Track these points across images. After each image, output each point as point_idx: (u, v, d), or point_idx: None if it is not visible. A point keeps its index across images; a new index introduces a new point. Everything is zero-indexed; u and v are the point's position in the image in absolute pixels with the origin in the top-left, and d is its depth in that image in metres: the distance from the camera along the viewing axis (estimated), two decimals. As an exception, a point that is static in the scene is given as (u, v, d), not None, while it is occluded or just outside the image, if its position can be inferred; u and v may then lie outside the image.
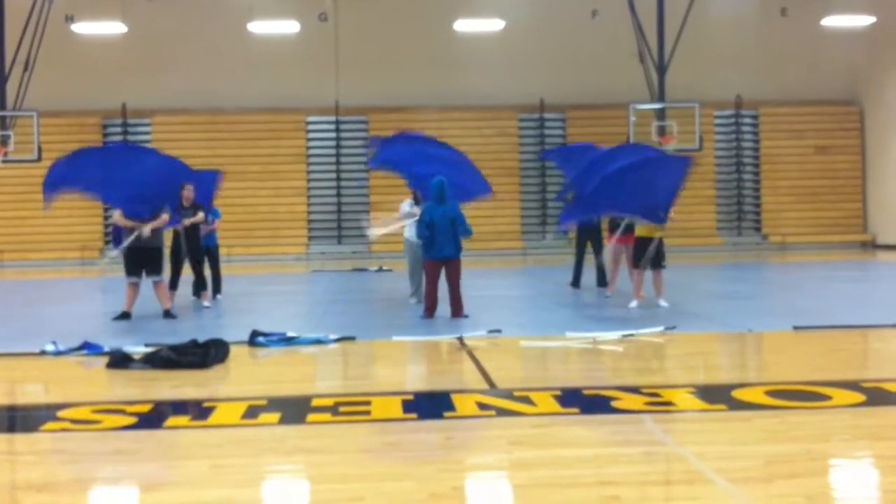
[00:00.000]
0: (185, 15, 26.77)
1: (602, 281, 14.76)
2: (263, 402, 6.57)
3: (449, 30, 26.22)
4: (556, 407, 6.30)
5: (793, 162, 28.68)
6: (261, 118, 27.74)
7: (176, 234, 13.28)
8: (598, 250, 15.09)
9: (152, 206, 11.86)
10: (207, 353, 8.30)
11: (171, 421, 6.17)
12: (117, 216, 12.11)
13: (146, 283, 12.02)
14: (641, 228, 12.58)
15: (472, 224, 12.02)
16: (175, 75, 27.03)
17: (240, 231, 25.76)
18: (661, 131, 24.40)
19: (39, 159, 23.80)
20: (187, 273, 13.62)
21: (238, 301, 14.22)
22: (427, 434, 5.77)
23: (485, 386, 7.14)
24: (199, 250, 13.57)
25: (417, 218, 12.20)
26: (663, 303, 12.26)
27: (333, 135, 28.22)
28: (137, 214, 11.77)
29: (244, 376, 8.23)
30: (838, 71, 28.47)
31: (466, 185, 13.33)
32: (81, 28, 25.69)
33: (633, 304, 12.33)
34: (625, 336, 9.47)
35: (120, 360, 8.25)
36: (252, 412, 6.25)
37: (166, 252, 12.67)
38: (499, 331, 9.92)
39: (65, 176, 12.09)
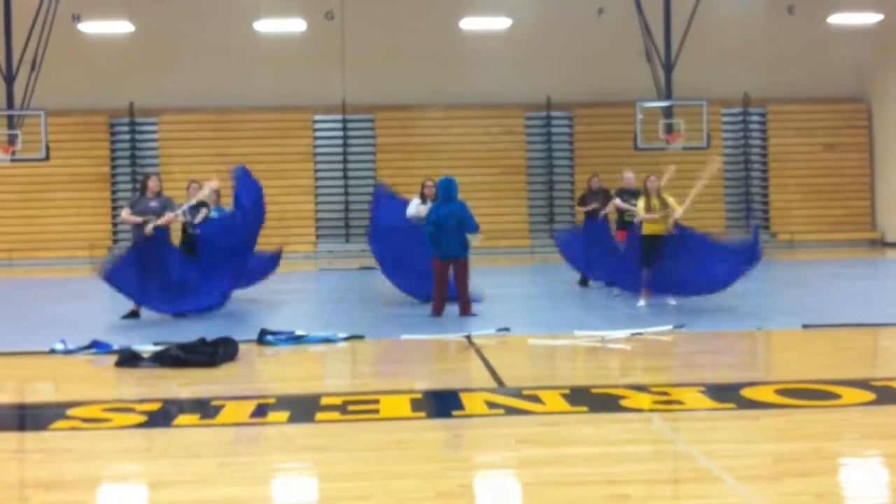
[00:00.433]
0: (191, 14, 26.79)
1: (610, 279, 14.74)
2: (272, 401, 6.58)
3: (455, 28, 26.19)
4: (565, 405, 6.30)
5: (801, 159, 28.61)
6: (268, 117, 27.75)
7: (185, 233, 13.29)
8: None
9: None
10: (216, 352, 8.31)
11: (180, 419, 6.18)
12: (125, 214, 12.12)
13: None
14: (649, 226, 12.56)
15: (480, 222, 12.03)
16: (182, 74, 27.05)
17: (247, 230, 25.75)
18: (669, 129, 24.35)
19: (47, 158, 23.85)
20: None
21: (246, 299, 14.22)
22: (435, 433, 5.78)
23: (493, 384, 7.14)
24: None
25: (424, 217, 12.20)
26: (672, 301, 12.25)
27: (340, 133, 28.22)
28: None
29: (253, 375, 8.24)
30: (846, 68, 28.38)
31: None
32: (88, 27, 25.73)
33: (641, 302, 12.32)
34: (633, 334, 9.46)
35: (129, 359, 8.27)
36: (261, 411, 6.26)
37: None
38: (507, 329, 9.92)
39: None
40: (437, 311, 11.51)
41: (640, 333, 9.51)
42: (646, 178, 12.92)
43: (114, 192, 27.55)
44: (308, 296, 15.97)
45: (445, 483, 4.62)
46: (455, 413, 6.20)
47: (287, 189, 27.52)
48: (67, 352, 8.97)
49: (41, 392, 7.80)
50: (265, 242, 26.11)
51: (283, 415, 6.15)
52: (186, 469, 5.08)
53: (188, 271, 12.06)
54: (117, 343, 9.15)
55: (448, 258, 11.57)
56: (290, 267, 23.25)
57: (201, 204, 13.38)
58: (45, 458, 5.36)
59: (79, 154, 27.02)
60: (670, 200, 12.50)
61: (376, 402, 6.49)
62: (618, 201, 14.37)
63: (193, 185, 13.60)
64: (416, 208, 13.22)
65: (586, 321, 10.62)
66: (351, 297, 14.90)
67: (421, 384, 7.58)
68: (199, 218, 13.19)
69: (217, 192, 14.03)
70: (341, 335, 9.69)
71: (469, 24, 26.04)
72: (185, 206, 13.09)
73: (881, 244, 28.00)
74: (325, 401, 6.55)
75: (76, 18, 25.40)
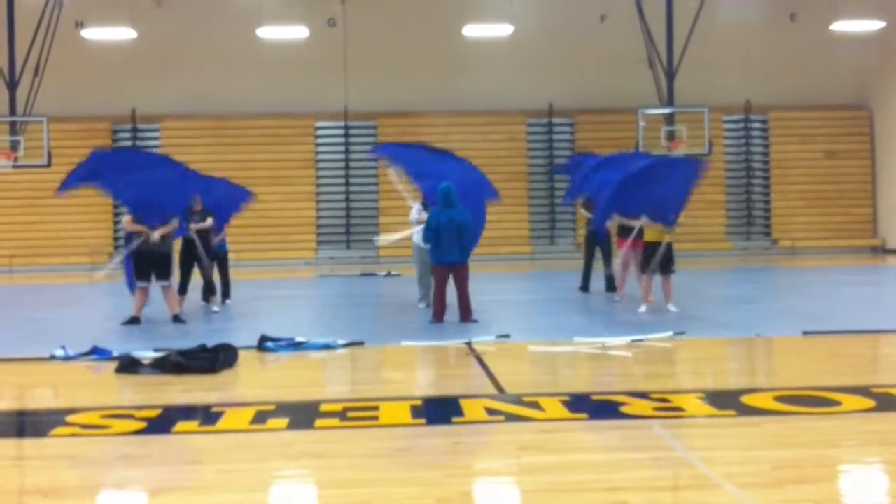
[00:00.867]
0: (194, 20, 26.84)
1: (611, 286, 14.75)
2: (272, 408, 6.57)
3: (458, 35, 26.23)
4: (565, 412, 6.29)
5: (802, 166, 28.62)
6: (270, 123, 27.79)
7: (185, 240, 13.32)
8: (607, 257, 15.09)
9: (162, 217, 11.89)
10: (216, 358, 8.31)
11: (180, 426, 6.17)
12: (127, 221, 12.14)
13: (155, 287, 12.05)
14: (650, 233, 12.57)
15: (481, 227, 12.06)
16: (184, 80, 27.11)
17: (249, 236, 25.78)
18: (671, 136, 24.37)
19: (49, 164, 23.88)
20: (196, 278, 13.66)
21: (247, 306, 14.23)
22: (435, 439, 5.77)
23: (493, 391, 7.13)
24: (210, 254, 13.59)
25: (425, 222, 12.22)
26: (672, 308, 12.24)
27: (342, 139, 28.26)
28: (146, 221, 11.80)
29: (253, 381, 8.24)
30: (848, 75, 28.40)
31: (480, 182, 13.46)
32: (91, 34, 25.79)
33: (642, 308, 12.32)
34: (634, 341, 9.45)
35: (129, 365, 8.27)
36: (260, 417, 6.25)
37: (175, 257, 12.69)
38: (507, 336, 9.91)
39: (85, 173, 12.18)
40: (438, 318, 11.50)
41: (641, 340, 9.50)
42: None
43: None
44: (308, 302, 15.97)
45: (445, 490, 4.61)
46: (455, 420, 6.19)
47: (289, 195, 27.55)
48: (67, 358, 8.96)
49: (41, 398, 7.79)
50: (266, 248, 26.19)
51: (283, 421, 6.14)
52: (186, 476, 5.07)
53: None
54: (117, 349, 9.14)
55: (448, 264, 11.57)
56: (290, 273, 23.29)
57: (206, 213, 13.42)
58: (44, 465, 5.36)
59: (81, 160, 26.96)
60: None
61: (376, 408, 6.48)
62: (617, 217, 14.37)
63: (196, 193, 13.62)
64: (417, 214, 13.23)
65: (587, 328, 10.62)
66: (351, 304, 14.90)
67: (421, 391, 7.57)
68: (204, 225, 13.23)
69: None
70: (341, 342, 9.69)
71: (471, 30, 26.08)
72: (193, 218, 13.15)
73: (882, 251, 28.00)
74: (324, 407, 6.54)
75: (79, 25, 25.46)
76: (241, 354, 8.76)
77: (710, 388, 7.08)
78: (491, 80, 27.16)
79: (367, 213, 27.92)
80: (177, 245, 12.94)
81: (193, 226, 13.17)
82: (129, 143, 27.70)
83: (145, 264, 11.90)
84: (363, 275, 21.59)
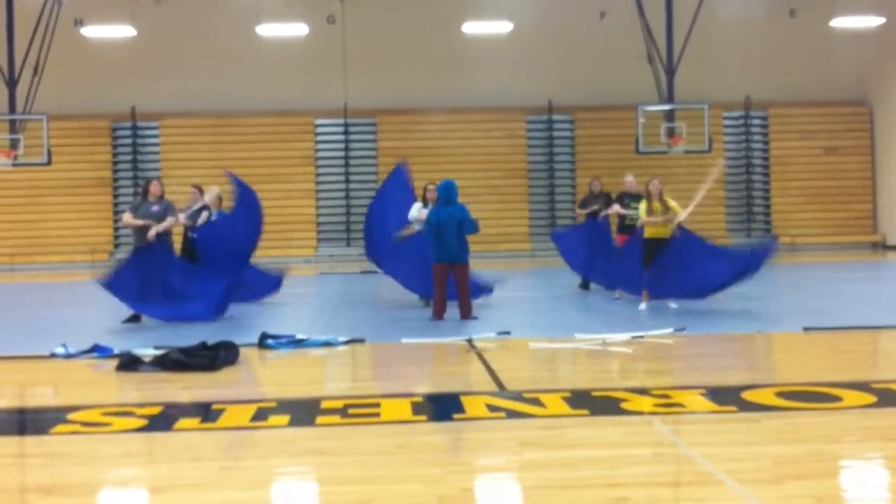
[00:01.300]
0: (193, 18, 26.82)
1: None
2: (273, 405, 6.57)
3: (457, 32, 26.22)
4: (566, 408, 6.29)
5: (802, 163, 28.61)
6: (269, 121, 27.78)
7: (185, 237, 13.32)
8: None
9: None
10: (217, 356, 8.31)
11: (181, 423, 6.17)
12: (127, 217, 12.13)
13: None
14: (650, 229, 12.57)
15: (481, 225, 12.04)
16: (183, 78, 27.10)
17: (249, 234, 25.73)
18: (670, 132, 24.37)
19: (49, 162, 23.90)
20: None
21: (247, 303, 14.22)
22: (436, 436, 5.77)
23: (494, 388, 7.13)
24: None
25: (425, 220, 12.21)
26: (672, 304, 12.24)
27: (342, 137, 28.24)
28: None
29: (254, 378, 8.24)
30: (847, 72, 28.38)
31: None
32: (90, 31, 25.78)
33: (643, 305, 12.32)
34: (634, 337, 9.45)
35: (130, 363, 8.27)
36: (261, 414, 6.26)
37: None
38: (508, 332, 9.91)
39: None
40: (438, 315, 11.50)
41: (641, 336, 9.51)
42: (647, 181, 12.92)
43: (115, 196, 27.59)
44: (309, 300, 15.97)
45: (447, 487, 4.61)
46: (456, 416, 6.19)
47: (288, 193, 27.54)
48: (68, 356, 8.97)
49: (42, 396, 7.80)
50: (266, 246, 26.17)
51: (284, 418, 6.14)
52: (187, 473, 5.07)
53: (188, 278, 12.06)
54: (118, 347, 9.15)
55: (448, 261, 11.57)
56: (291, 271, 23.26)
57: (203, 208, 13.43)
58: (46, 463, 5.36)
59: (80, 158, 27.05)
60: (672, 204, 12.51)
61: (377, 405, 6.48)
62: (617, 207, 14.42)
63: (195, 189, 13.64)
64: (417, 212, 13.22)
65: (587, 324, 10.63)
66: (352, 301, 14.90)
67: (422, 387, 7.57)
68: (200, 221, 13.22)
69: (219, 198, 14.08)
70: (342, 339, 9.70)
71: (471, 27, 26.07)
72: (188, 211, 13.12)
73: (883, 247, 28.00)
74: (325, 404, 6.54)
75: (78, 23, 25.44)
76: (242, 352, 8.76)
77: (711, 385, 7.08)
78: (490, 78, 27.14)
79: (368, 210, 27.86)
80: (176, 246, 12.95)
81: (191, 221, 13.16)
82: (128, 141, 27.68)
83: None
84: (363, 272, 21.57)
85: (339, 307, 13.89)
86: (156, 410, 6.52)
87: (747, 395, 6.53)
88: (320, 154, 28.30)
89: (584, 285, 15.15)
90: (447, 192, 11.68)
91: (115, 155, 27.76)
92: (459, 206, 11.73)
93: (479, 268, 13.50)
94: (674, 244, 12.37)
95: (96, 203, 27.33)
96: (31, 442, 6.01)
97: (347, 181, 28.10)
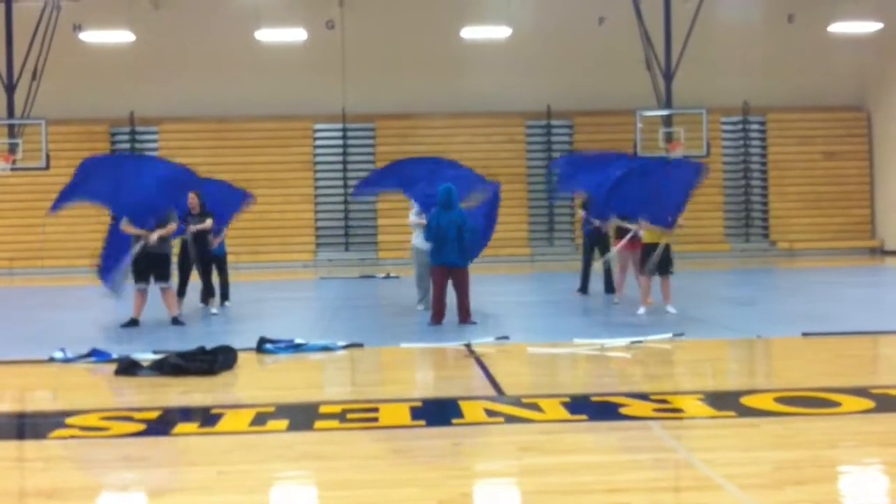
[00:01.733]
0: (192, 23, 26.85)
1: (610, 287, 14.75)
2: (271, 409, 6.57)
3: (456, 37, 26.24)
4: (565, 413, 6.29)
5: (800, 168, 28.65)
6: (268, 125, 27.80)
7: (184, 241, 13.32)
8: (604, 252, 15.09)
9: (157, 215, 11.87)
10: (215, 360, 8.30)
11: (180, 428, 6.17)
12: (124, 224, 12.13)
13: (154, 289, 12.04)
14: (649, 234, 12.58)
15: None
16: (182, 83, 27.12)
17: (247, 238, 25.80)
18: (669, 137, 24.39)
19: (48, 167, 23.89)
20: (195, 280, 13.66)
21: (246, 308, 14.23)
22: (435, 441, 5.77)
23: (493, 392, 7.13)
24: (208, 257, 13.59)
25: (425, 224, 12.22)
26: (671, 309, 12.24)
27: (341, 142, 28.27)
28: (143, 223, 11.79)
29: (252, 383, 8.23)
30: (846, 77, 28.43)
31: (470, 177, 13.54)
32: (89, 36, 25.79)
33: (641, 310, 12.32)
34: (633, 343, 9.45)
35: (128, 367, 8.26)
36: (260, 419, 6.25)
37: (174, 259, 12.68)
38: (507, 337, 9.91)
39: (74, 188, 12.15)
40: (437, 320, 11.50)
41: (640, 341, 9.50)
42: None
43: (114, 200, 27.54)
44: (307, 304, 15.98)
45: (446, 491, 4.61)
46: (455, 421, 6.18)
47: (287, 197, 27.56)
48: (67, 360, 8.96)
49: (40, 400, 7.79)
50: (265, 250, 26.14)
51: (283, 423, 6.14)
52: (185, 477, 5.07)
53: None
54: (116, 351, 9.14)
55: (448, 266, 11.56)
56: (289, 275, 23.28)
57: (205, 214, 13.42)
58: (45, 467, 5.35)
59: (79, 163, 26.97)
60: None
61: (375, 410, 6.48)
62: (615, 219, 14.41)
63: (192, 195, 13.63)
64: (416, 216, 13.23)
65: (586, 329, 10.62)
66: (350, 306, 14.89)
67: (420, 392, 7.57)
68: (202, 226, 13.24)
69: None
70: (340, 343, 9.69)
71: (470, 32, 26.09)
72: (191, 220, 13.15)
73: (881, 252, 28.02)
74: (324, 409, 6.54)
75: (77, 28, 25.45)
76: (241, 356, 8.75)
77: (710, 390, 7.08)
78: (489, 82, 27.17)
79: (366, 215, 27.91)
80: (175, 248, 12.95)
81: (192, 227, 13.17)
82: (127, 146, 27.72)
83: (144, 266, 11.88)
84: (362, 277, 21.59)
85: (338, 312, 13.88)
86: (154, 415, 6.51)
87: (746, 401, 6.53)
88: (319, 158, 28.32)
89: (583, 290, 15.16)
90: (447, 197, 11.68)
91: (113, 159, 27.75)
92: (459, 211, 11.73)
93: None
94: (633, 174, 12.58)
95: (95, 208, 27.26)
96: (29, 446, 6.00)
97: (346, 185, 28.10)
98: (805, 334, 9.81)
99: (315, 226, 28.14)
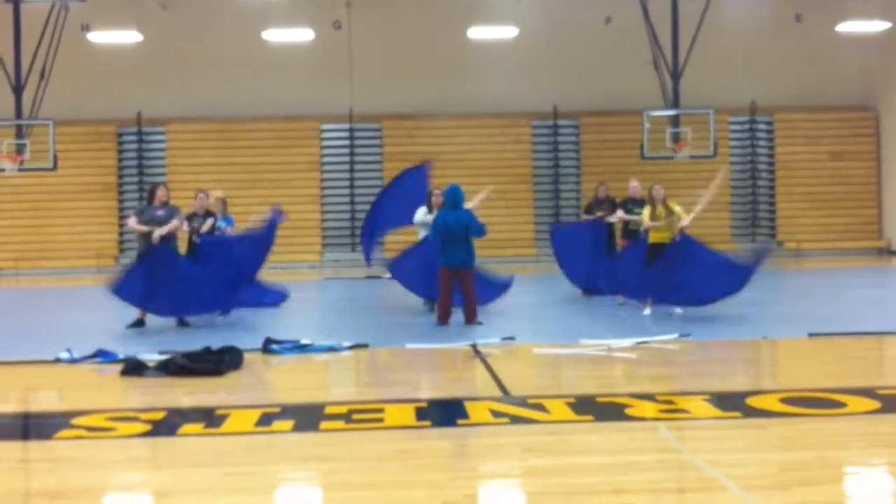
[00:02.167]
0: (199, 23, 26.86)
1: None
2: (277, 410, 6.57)
3: (463, 37, 26.23)
4: (570, 414, 6.29)
5: (808, 168, 28.57)
6: (275, 126, 27.81)
7: (190, 242, 13.33)
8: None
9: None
10: (221, 361, 8.31)
11: (185, 428, 6.18)
12: (132, 222, 12.14)
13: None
14: (654, 234, 12.57)
15: (487, 229, 12.04)
16: (189, 83, 27.14)
17: (254, 238, 25.75)
18: (676, 138, 24.35)
19: (55, 168, 23.93)
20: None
21: (251, 308, 14.22)
22: (440, 441, 5.77)
23: (498, 393, 7.13)
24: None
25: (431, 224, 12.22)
26: (677, 310, 12.23)
27: (347, 142, 28.27)
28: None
29: (258, 384, 8.24)
30: (853, 76, 28.34)
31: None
32: (97, 37, 25.82)
33: (647, 311, 12.30)
34: (639, 343, 9.44)
35: (134, 368, 8.28)
36: (265, 419, 6.26)
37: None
38: (512, 338, 9.90)
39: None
40: (443, 320, 11.50)
41: (646, 342, 9.50)
42: (650, 186, 12.92)
43: (121, 201, 27.63)
44: (313, 305, 15.99)
45: (451, 492, 4.61)
46: (460, 422, 6.18)
47: (293, 198, 27.51)
48: (73, 361, 8.98)
49: (46, 401, 7.81)
50: (271, 251, 26.04)
51: (288, 424, 6.14)
52: (191, 478, 5.08)
53: (194, 275, 12.06)
54: (122, 352, 9.15)
55: (454, 266, 11.56)
56: (295, 276, 23.28)
57: (208, 214, 13.45)
58: (51, 468, 5.36)
59: (86, 163, 27.10)
60: (676, 209, 12.51)
61: (381, 410, 6.48)
62: (621, 213, 14.44)
63: (201, 194, 13.67)
64: (422, 216, 13.23)
65: (591, 330, 10.61)
66: (356, 306, 14.90)
67: (426, 393, 7.57)
68: (205, 227, 13.25)
69: (223, 202, 14.10)
70: (346, 344, 9.69)
71: (476, 33, 26.08)
72: (195, 220, 13.15)
73: (888, 253, 27.93)
74: (329, 409, 6.54)
75: (85, 28, 25.47)
76: (246, 357, 8.76)
77: (716, 390, 7.07)
78: (495, 83, 27.14)
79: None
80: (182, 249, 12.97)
81: (198, 227, 13.19)
82: (134, 147, 27.73)
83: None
84: (368, 277, 21.57)
85: (344, 312, 13.89)
86: (160, 415, 6.52)
87: (752, 401, 6.52)
88: (326, 159, 28.32)
89: (589, 291, 15.13)
90: (453, 197, 11.68)
91: (120, 160, 27.81)
92: (466, 210, 11.73)
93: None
94: (674, 248, 12.33)
95: (102, 208, 27.38)
96: (35, 447, 6.02)
97: (352, 186, 28.11)
98: (811, 335, 9.80)
99: (321, 226, 28.15)
